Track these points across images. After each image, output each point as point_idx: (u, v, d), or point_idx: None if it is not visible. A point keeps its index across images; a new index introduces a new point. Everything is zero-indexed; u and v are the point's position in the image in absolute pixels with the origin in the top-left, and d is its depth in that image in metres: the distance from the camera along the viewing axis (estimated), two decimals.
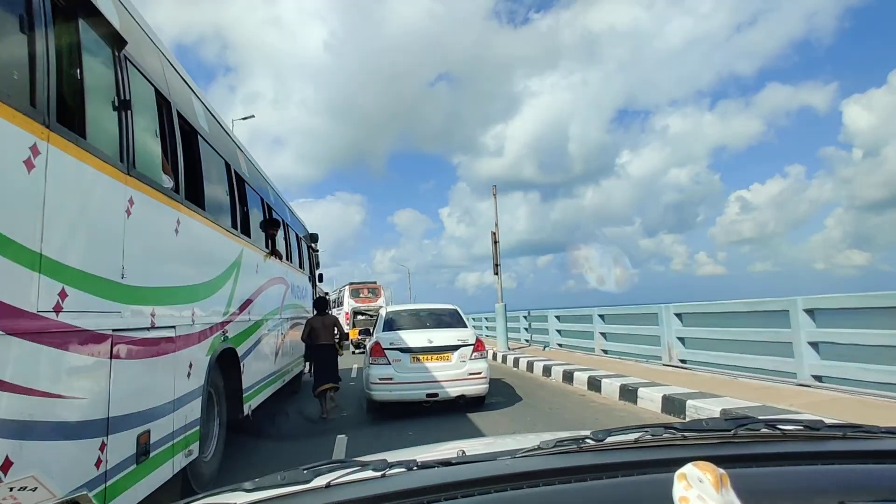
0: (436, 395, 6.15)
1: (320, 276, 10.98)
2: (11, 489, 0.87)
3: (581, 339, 11.96)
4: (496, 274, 13.83)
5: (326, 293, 27.94)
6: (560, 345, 13.08)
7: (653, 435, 1.02)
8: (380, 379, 6.18)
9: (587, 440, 1.02)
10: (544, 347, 13.35)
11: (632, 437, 1.01)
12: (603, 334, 10.83)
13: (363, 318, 16.75)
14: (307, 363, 8.24)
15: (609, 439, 1.01)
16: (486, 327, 20.59)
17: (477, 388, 6.33)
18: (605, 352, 10.73)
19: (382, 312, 7.44)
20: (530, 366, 10.21)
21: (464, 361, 6.32)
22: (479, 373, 6.35)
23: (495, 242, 13.85)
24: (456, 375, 6.24)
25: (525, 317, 15.53)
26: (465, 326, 6.91)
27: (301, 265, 8.84)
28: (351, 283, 22.17)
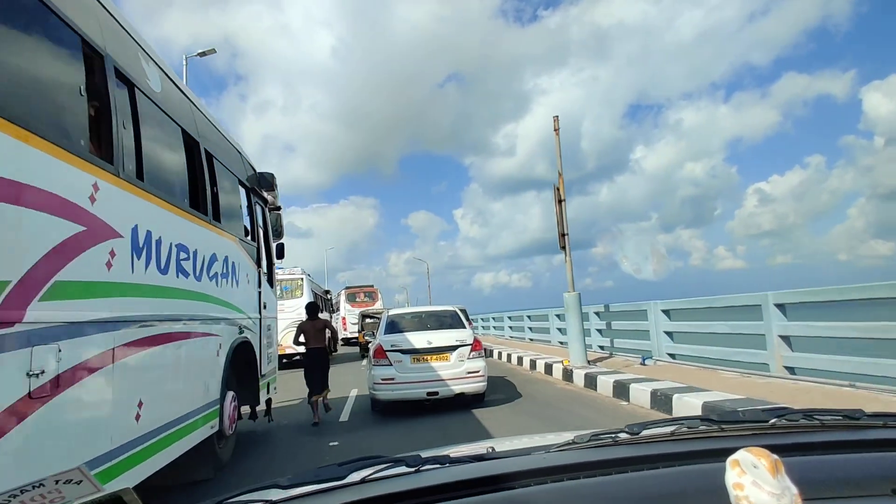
0: (436, 393, 6.30)
1: (280, 247, 6.37)
2: (57, 482, 0.66)
3: (726, 347, 7.19)
4: (563, 248, 9.10)
5: (328, 291, 23.73)
6: (672, 355, 8.32)
7: (689, 427, 1.00)
8: (382, 379, 6.37)
9: (622, 433, 0.99)
10: (643, 360, 8.55)
11: (668, 429, 0.99)
12: (784, 338, 6.06)
13: (371, 321, 14.80)
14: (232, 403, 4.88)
15: (645, 432, 0.99)
16: (531, 328, 15.73)
17: (475, 385, 6.49)
18: (792, 370, 5.97)
19: (384, 316, 7.54)
20: (662, 399, 5.50)
21: (462, 361, 6.50)
22: (477, 371, 6.51)
23: (560, 201, 9.13)
24: (455, 374, 6.42)
25: (598, 314, 10.77)
26: (464, 327, 7.09)
27: (216, 215, 4.26)
28: (347, 288, 21.58)
